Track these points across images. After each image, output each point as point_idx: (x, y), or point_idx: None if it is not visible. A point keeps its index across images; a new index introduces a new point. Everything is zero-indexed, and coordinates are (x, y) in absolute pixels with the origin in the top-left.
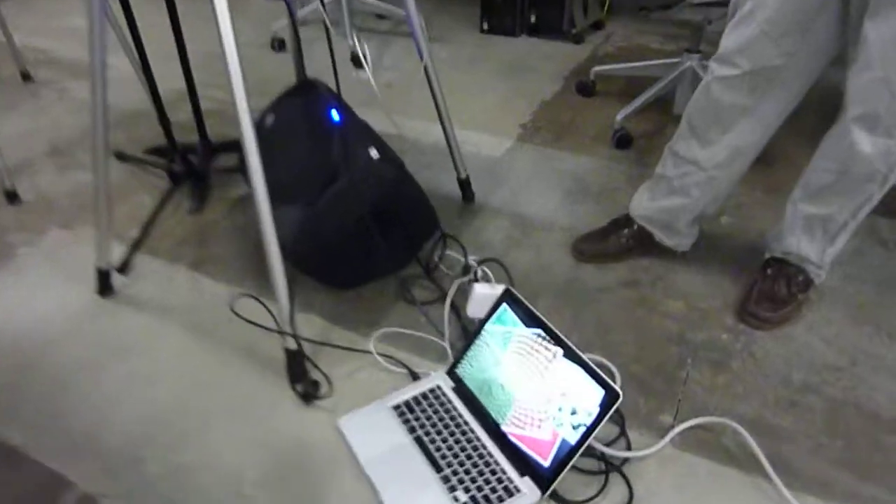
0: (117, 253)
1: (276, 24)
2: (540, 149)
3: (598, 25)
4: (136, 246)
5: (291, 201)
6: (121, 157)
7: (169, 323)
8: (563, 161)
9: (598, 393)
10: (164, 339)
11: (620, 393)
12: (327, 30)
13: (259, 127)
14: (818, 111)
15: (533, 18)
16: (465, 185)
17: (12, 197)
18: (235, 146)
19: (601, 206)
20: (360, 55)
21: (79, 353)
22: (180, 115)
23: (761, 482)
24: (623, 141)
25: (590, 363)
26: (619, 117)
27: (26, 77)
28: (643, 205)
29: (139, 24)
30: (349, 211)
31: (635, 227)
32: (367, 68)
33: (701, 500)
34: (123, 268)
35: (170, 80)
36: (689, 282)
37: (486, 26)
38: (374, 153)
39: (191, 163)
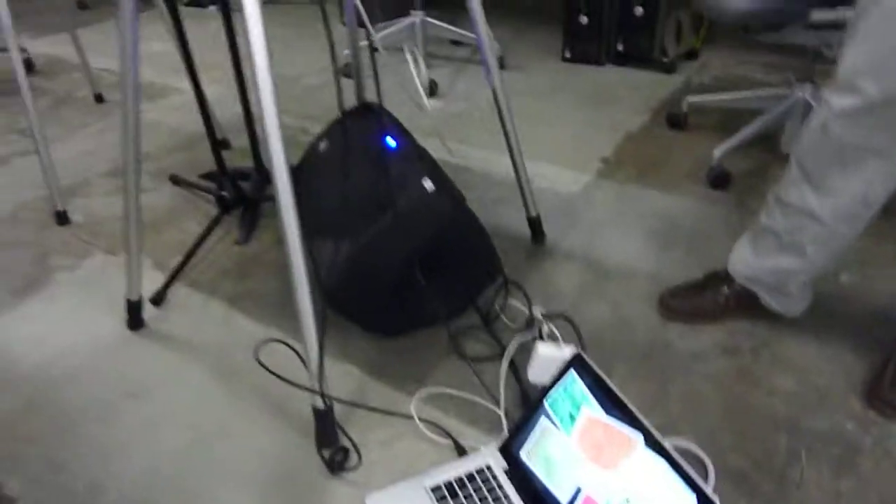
0: (156, 282)
1: (347, 50)
2: (623, 185)
3: (691, 54)
4: (173, 277)
5: (334, 236)
6: (175, 180)
7: (194, 363)
8: (648, 199)
9: (687, 499)
10: (184, 382)
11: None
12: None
13: (311, 153)
14: None
15: (620, 46)
16: (535, 224)
17: (62, 218)
18: (292, 173)
19: (693, 254)
20: (416, 77)
21: (94, 391)
22: (244, 140)
23: None
24: (720, 180)
25: (678, 458)
26: (716, 153)
27: (99, 99)
28: (746, 261)
29: (202, 44)
30: (394, 250)
31: (736, 285)
32: (421, 91)
33: None
34: (159, 299)
35: (233, 104)
36: (801, 352)
37: (568, 54)
38: (428, 185)
39: (242, 190)
